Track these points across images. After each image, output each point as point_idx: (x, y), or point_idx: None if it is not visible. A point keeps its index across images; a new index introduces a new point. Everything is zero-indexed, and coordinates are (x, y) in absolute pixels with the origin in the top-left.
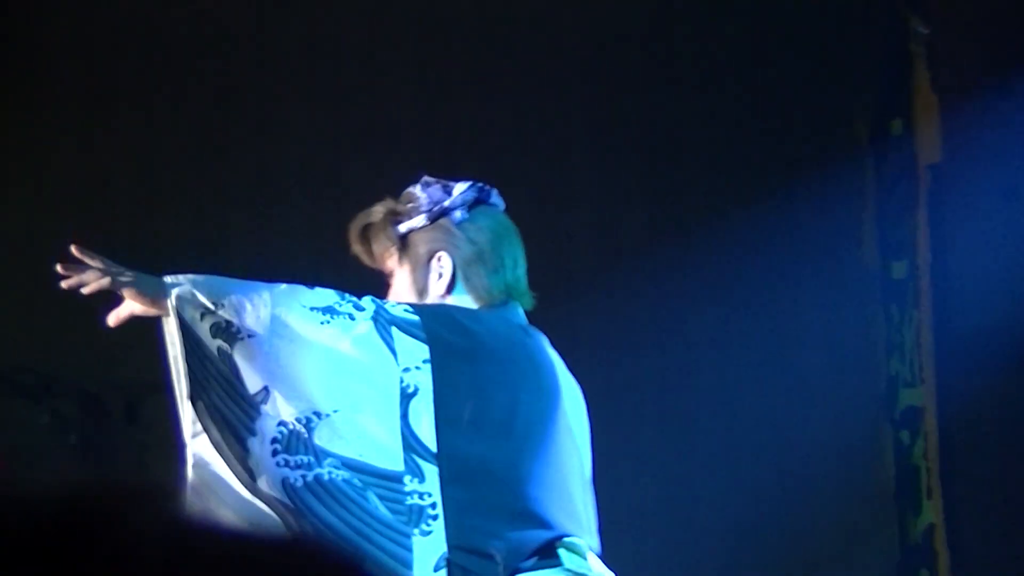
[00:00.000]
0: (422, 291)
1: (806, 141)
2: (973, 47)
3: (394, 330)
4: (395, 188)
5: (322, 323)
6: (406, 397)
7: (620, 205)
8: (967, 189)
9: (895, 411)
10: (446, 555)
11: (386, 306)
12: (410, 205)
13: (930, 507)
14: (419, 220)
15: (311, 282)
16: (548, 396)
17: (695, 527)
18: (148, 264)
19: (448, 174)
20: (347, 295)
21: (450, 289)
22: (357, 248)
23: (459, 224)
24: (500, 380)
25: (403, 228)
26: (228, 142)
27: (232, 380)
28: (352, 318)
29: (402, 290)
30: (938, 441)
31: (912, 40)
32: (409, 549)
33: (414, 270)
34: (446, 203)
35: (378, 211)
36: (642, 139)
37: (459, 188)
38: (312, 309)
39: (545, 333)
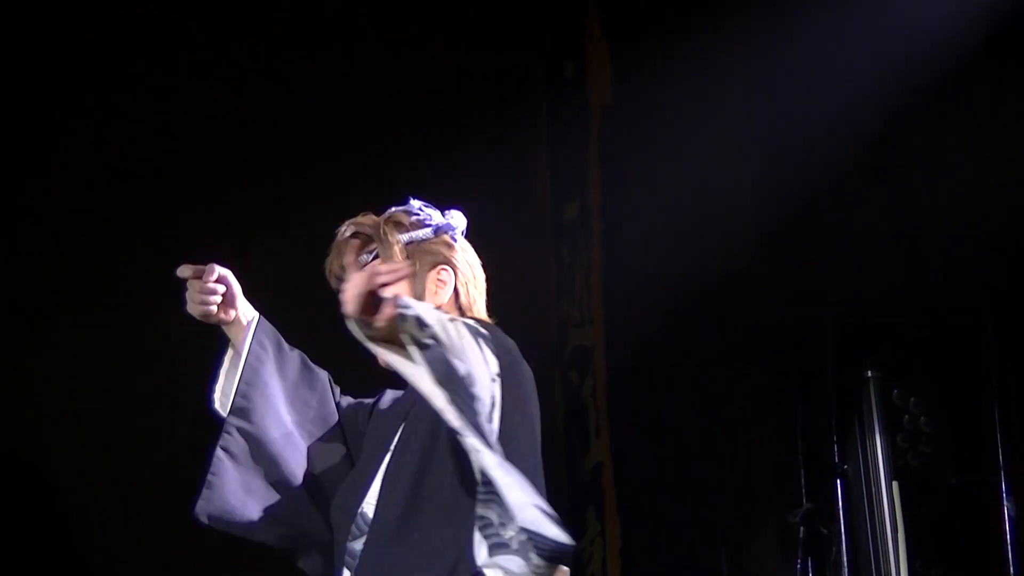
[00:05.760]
0: (418, 299)
1: (480, 82)
2: None
3: None
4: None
5: None
6: None
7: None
8: (637, 131)
9: (565, 351)
10: None
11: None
12: (414, 218)
13: (598, 445)
14: (425, 232)
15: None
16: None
17: None
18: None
19: None
20: None
21: (443, 295)
22: (335, 257)
23: (458, 244)
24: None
25: (406, 237)
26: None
27: None
28: None
29: None
30: (606, 381)
31: None
32: None
33: (413, 278)
34: (451, 222)
35: (369, 221)
36: (321, 96)
37: (455, 214)
38: None
39: None
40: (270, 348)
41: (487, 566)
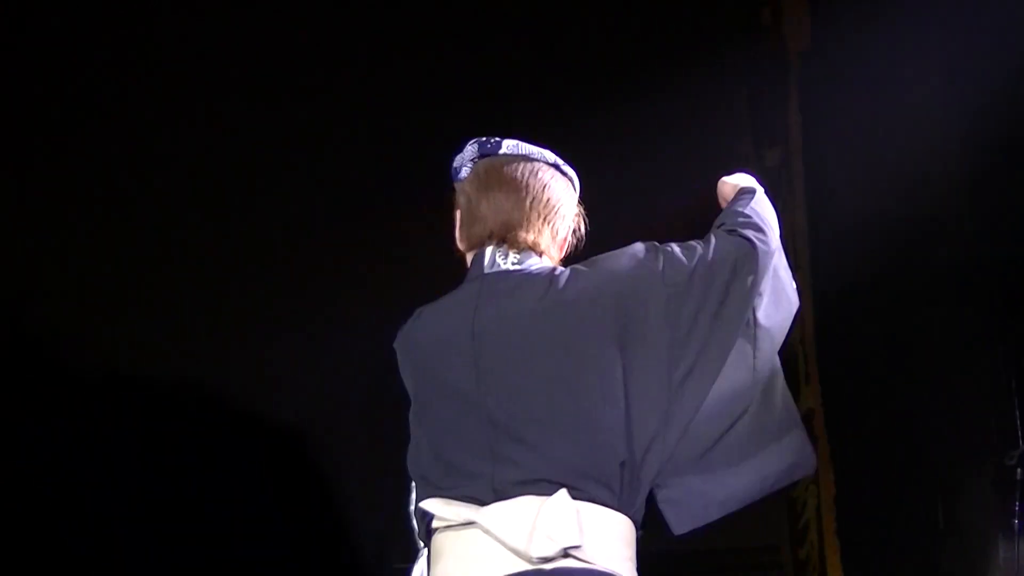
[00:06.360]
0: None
1: (677, 33)
2: None
3: None
4: None
5: None
6: None
7: (490, 103)
8: (837, 76)
9: None
10: None
11: None
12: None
13: (808, 392)
14: (453, 176)
15: None
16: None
17: None
18: None
19: None
20: None
21: (457, 241)
22: None
23: (460, 180)
24: (426, 360)
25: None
26: None
27: None
28: None
29: None
30: (814, 327)
31: None
32: None
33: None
34: (455, 163)
35: None
36: (521, 37)
37: (466, 148)
38: None
39: None
40: None
41: None
